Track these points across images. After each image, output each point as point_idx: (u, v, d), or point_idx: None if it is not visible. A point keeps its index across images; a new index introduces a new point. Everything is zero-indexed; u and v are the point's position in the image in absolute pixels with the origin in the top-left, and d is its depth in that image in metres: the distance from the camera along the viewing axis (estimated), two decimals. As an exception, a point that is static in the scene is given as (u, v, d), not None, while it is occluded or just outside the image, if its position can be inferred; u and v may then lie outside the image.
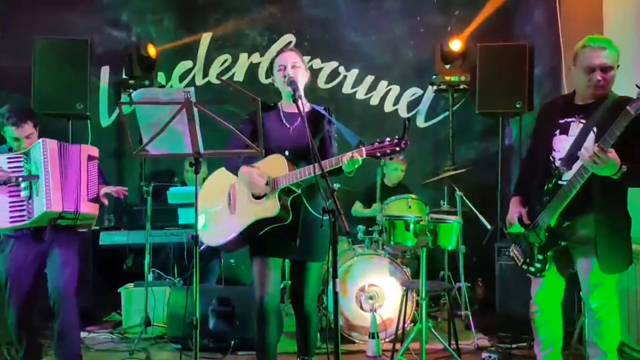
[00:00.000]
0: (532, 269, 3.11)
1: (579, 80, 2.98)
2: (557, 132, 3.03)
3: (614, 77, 2.93)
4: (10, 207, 3.47)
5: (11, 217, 3.47)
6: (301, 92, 3.02)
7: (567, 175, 2.91)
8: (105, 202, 3.83)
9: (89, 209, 3.70)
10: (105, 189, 3.80)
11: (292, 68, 3.13)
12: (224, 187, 3.23)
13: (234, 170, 3.16)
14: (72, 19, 6.01)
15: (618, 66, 2.95)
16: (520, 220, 3.13)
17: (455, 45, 5.92)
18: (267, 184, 3.04)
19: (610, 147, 2.67)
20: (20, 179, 3.44)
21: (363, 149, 2.89)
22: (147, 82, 5.78)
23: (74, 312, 3.65)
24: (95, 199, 3.73)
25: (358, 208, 5.59)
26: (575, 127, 2.97)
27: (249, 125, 3.14)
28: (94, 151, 3.86)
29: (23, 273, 3.57)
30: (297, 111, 3.04)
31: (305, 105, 3.15)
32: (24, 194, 3.48)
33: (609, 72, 2.90)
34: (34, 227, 3.55)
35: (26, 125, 3.53)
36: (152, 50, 5.85)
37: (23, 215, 3.48)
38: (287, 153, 3.11)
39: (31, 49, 5.42)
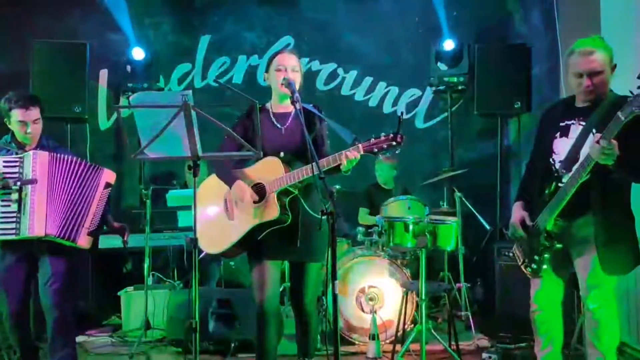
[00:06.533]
0: (530, 270, 3.12)
1: (572, 84, 3.00)
2: (558, 134, 3.03)
3: (605, 80, 2.91)
4: (1, 218, 3.32)
5: (0, 229, 3.33)
6: (298, 95, 3.01)
7: (567, 178, 2.91)
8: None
9: (86, 242, 3.48)
10: (116, 225, 3.66)
11: (291, 72, 3.13)
12: (220, 192, 3.20)
13: (227, 179, 3.13)
14: (70, 22, 6.01)
15: (615, 66, 2.94)
16: (523, 223, 3.13)
17: (454, 46, 5.94)
18: (256, 201, 3.04)
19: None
20: (19, 183, 3.32)
21: (360, 145, 2.88)
22: (145, 85, 5.78)
23: (65, 325, 3.52)
24: (94, 232, 3.51)
25: (364, 215, 5.53)
26: (575, 130, 2.97)
27: (240, 128, 3.14)
28: (112, 177, 3.61)
29: (14, 276, 3.48)
30: (287, 111, 3.14)
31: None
32: (13, 207, 3.32)
33: (597, 76, 2.88)
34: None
35: (34, 109, 3.43)
36: (143, 54, 5.85)
37: (12, 229, 3.32)
38: (282, 154, 3.10)
39: (29, 52, 5.43)
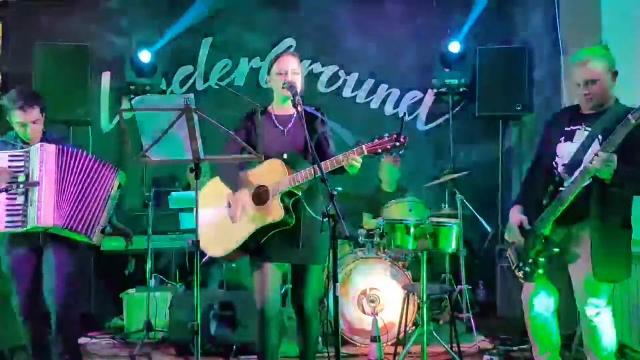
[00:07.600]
0: (521, 273, 3.10)
1: (575, 93, 3.07)
2: (562, 139, 3.04)
3: (604, 87, 2.95)
4: (7, 211, 3.32)
5: (7, 222, 3.32)
6: (300, 98, 3.02)
7: (568, 182, 2.91)
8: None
9: (98, 239, 3.52)
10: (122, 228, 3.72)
11: (292, 74, 3.13)
12: (222, 195, 3.20)
13: (231, 183, 3.14)
14: (72, 25, 6.03)
15: (616, 73, 2.96)
16: (520, 227, 3.13)
17: (455, 48, 5.95)
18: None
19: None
20: (22, 186, 3.31)
21: (363, 146, 2.89)
22: (147, 88, 5.79)
23: (68, 320, 3.51)
24: (104, 230, 3.54)
25: (368, 220, 5.48)
26: (580, 135, 2.98)
27: (242, 131, 3.16)
28: (124, 179, 3.64)
29: (22, 268, 3.48)
30: (288, 114, 3.14)
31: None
32: (19, 199, 3.32)
33: (594, 84, 2.93)
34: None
35: (33, 110, 3.41)
36: (150, 56, 5.87)
37: (18, 221, 3.32)
38: (284, 156, 3.11)
39: (32, 55, 5.44)
